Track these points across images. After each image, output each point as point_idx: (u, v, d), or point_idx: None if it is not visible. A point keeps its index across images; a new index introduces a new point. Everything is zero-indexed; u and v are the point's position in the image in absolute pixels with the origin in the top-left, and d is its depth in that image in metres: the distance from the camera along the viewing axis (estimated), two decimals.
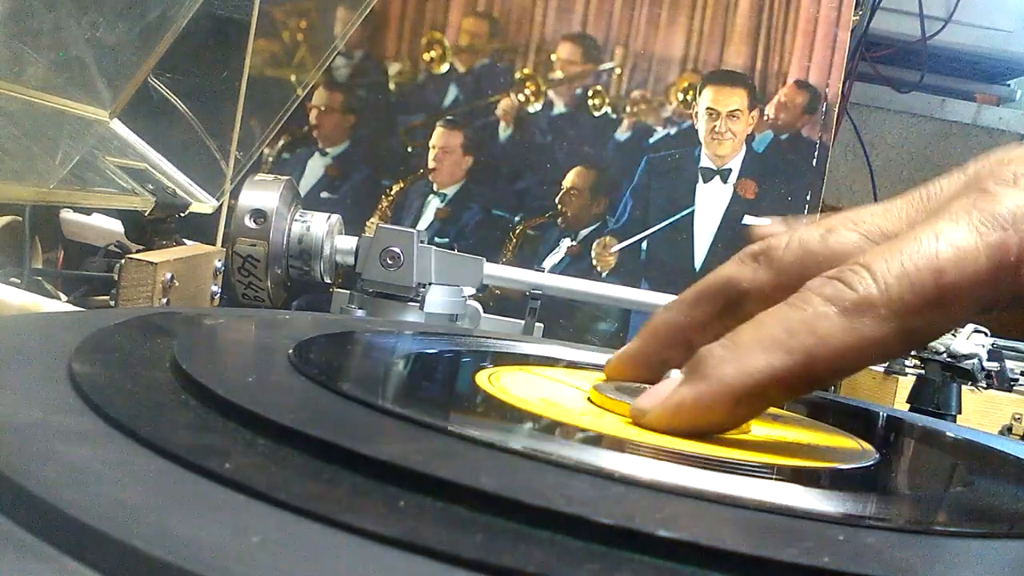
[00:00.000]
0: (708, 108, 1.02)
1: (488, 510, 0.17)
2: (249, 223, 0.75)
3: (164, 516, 0.14)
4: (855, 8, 1.05)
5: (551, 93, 1.01)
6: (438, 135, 1.00)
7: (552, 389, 0.35)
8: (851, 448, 0.33)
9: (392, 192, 1.00)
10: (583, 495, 0.19)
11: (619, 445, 0.27)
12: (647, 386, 0.30)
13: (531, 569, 0.15)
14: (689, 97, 1.02)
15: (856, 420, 0.44)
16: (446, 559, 0.14)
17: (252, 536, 0.14)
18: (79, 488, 0.15)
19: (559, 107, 1.01)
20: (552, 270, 0.98)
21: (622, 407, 0.30)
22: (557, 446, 0.27)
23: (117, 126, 0.78)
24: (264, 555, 0.13)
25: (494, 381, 0.33)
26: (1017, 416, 1.06)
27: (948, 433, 0.42)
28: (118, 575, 0.13)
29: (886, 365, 1.14)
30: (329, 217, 0.79)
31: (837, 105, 1.02)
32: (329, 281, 0.81)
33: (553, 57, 1.01)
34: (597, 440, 0.28)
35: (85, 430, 0.20)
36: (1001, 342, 1.24)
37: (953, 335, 1.12)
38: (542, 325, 0.86)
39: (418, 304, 0.77)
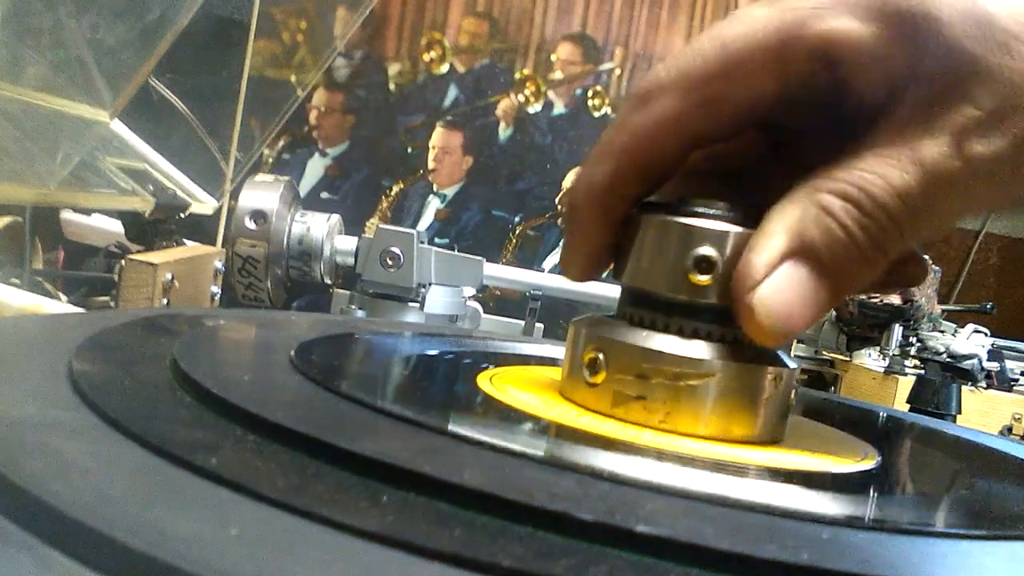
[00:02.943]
0: None
1: (470, 506, 0.17)
2: (249, 224, 0.75)
3: (146, 509, 0.14)
4: None
5: (551, 93, 1.01)
6: (438, 135, 1.00)
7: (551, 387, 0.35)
8: (849, 447, 0.33)
9: (392, 192, 1.00)
10: (566, 491, 0.20)
11: (612, 445, 0.27)
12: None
13: (508, 563, 0.15)
14: None
15: (856, 420, 0.44)
16: (420, 552, 0.14)
17: (231, 529, 0.14)
18: (63, 480, 0.15)
19: (559, 107, 1.01)
20: (552, 270, 0.98)
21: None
22: (545, 444, 0.27)
23: (117, 126, 0.78)
24: (241, 547, 0.13)
25: (495, 382, 0.33)
26: (1017, 416, 1.06)
27: (948, 433, 0.42)
28: (98, 566, 0.13)
29: (886, 365, 1.14)
30: (329, 217, 0.79)
31: None
32: (329, 282, 0.81)
33: (553, 57, 1.01)
34: (587, 439, 0.28)
35: (78, 425, 0.20)
36: (1001, 342, 1.24)
37: (953, 335, 1.12)
38: (542, 325, 0.86)
39: (418, 304, 0.77)
